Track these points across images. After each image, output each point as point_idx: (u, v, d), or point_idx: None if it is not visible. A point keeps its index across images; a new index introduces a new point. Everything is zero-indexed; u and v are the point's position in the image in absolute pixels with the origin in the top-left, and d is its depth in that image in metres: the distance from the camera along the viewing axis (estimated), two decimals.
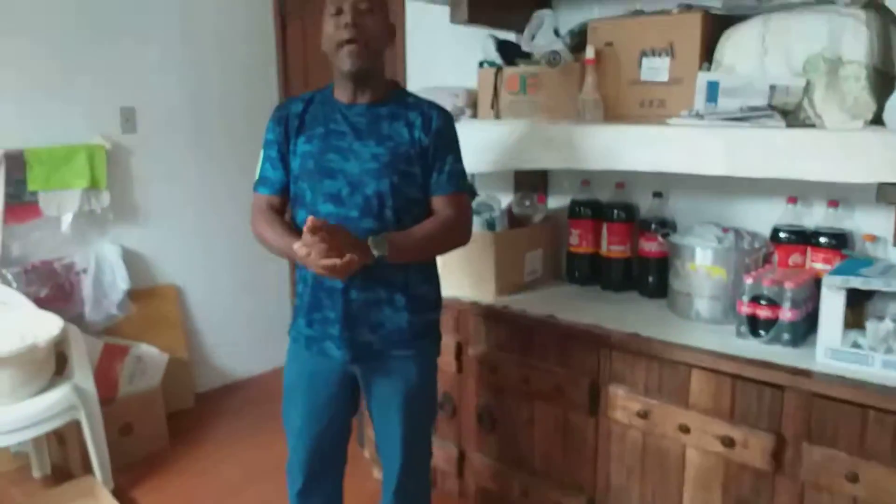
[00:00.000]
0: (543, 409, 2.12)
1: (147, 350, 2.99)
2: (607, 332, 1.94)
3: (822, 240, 1.92)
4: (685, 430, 1.80)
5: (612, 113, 2.03)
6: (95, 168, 2.94)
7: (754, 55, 1.76)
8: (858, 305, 1.68)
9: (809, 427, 1.63)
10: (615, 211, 2.28)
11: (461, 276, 2.34)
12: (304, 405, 1.78)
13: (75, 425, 2.51)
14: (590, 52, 1.99)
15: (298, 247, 1.47)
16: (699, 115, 1.77)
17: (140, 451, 2.90)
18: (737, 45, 1.80)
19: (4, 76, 2.75)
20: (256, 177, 1.76)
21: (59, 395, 2.40)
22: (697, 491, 1.82)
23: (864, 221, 1.92)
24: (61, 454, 2.80)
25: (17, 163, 2.75)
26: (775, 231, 2.00)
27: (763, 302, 1.80)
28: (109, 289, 3.01)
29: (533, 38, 2.15)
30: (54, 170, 2.84)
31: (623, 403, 1.92)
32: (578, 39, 2.14)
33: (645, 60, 1.95)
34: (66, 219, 2.91)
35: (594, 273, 2.38)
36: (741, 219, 2.11)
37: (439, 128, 1.68)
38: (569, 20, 2.25)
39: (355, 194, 1.62)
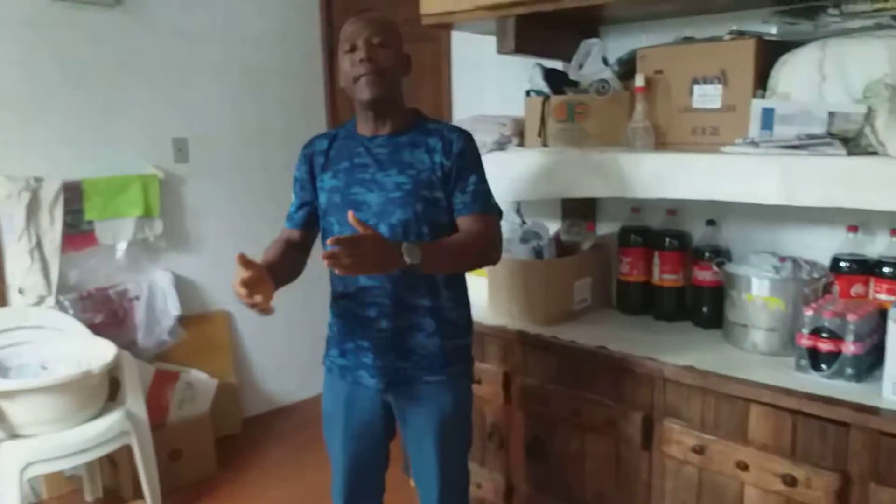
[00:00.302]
0: (594, 442, 2.07)
1: (197, 376, 3.03)
2: (661, 364, 1.89)
3: (886, 270, 1.85)
4: (743, 466, 1.74)
5: (663, 141, 2.00)
6: (149, 197, 3.02)
7: (811, 82, 1.72)
8: None
9: (877, 467, 1.55)
10: (667, 239, 2.23)
11: (509, 305, 2.32)
12: (342, 431, 1.81)
13: (127, 450, 2.55)
14: (639, 80, 1.97)
15: (325, 256, 1.40)
16: (754, 143, 1.73)
17: (188, 477, 2.94)
18: (792, 72, 1.76)
19: (64, 109, 2.86)
20: None
21: (111, 421, 2.45)
22: None
23: None
24: (113, 478, 2.85)
25: (75, 193, 2.84)
26: (835, 260, 1.94)
27: (824, 335, 1.73)
28: (161, 315, 3.07)
29: (581, 66, 2.14)
30: (110, 199, 2.92)
31: (678, 438, 1.87)
32: (627, 67, 2.12)
33: (696, 88, 1.92)
34: (121, 247, 2.99)
35: (645, 302, 2.33)
36: (799, 247, 2.05)
37: (461, 149, 1.67)
38: (616, 48, 2.24)
39: (381, 225, 1.65)
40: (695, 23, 2.16)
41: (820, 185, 1.63)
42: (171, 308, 3.09)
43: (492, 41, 2.29)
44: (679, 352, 1.95)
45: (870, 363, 1.72)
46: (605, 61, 2.12)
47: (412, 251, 1.47)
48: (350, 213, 1.48)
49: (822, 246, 2.00)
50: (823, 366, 1.73)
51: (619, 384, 1.99)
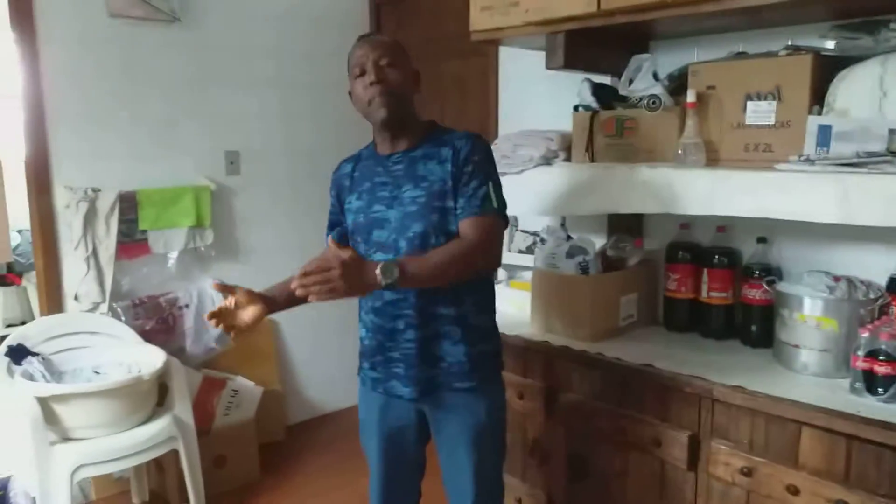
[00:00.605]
0: (638, 461, 2.04)
1: (243, 383, 3.08)
2: (710, 383, 1.86)
3: None
4: (794, 491, 1.69)
5: (715, 157, 1.97)
6: (201, 208, 3.09)
7: (871, 98, 1.68)
8: None
9: None
10: (716, 256, 2.20)
11: (553, 320, 2.31)
12: (376, 437, 1.86)
13: (173, 454, 2.60)
14: (691, 96, 1.95)
15: (295, 286, 1.44)
16: (810, 161, 1.69)
17: (232, 483, 2.98)
18: (851, 88, 1.72)
19: (122, 123, 2.95)
20: None
21: (160, 426, 2.50)
22: None
23: None
24: (159, 482, 2.91)
25: (130, 203, 2.93)
26: (892, 280, 1.88)
27: (881, 357, 1.68)
28: (210, 323, 3.12)
29: (631, 82, 2.13)
30: (163, 210, 3.00)
31: (725, 459, 1.83)
32: (678, 83, 2.11)
33: (750, 104, 1.89)
34: (173, 255, 3.07)
35: (693, 319, 2.29)
36: (854, 267, 2.00)
37: (466, 155, 1.68)
38: (667, 63, 2.22)
39: (400, 239, 1.68)
40: (747, 38, 2.14)
41: (881, 204, 1.58)
42: None
43: (540, 56, 2.30)
44: (727, 371, 1.91)
45: None
46: (655, 77, 2.10)
47: (388, 270, 1.45)
48: (329, 238, 1.56)
49: (879, 266, 1.94)
50: (880, 389, 1.68)
51: (665, 403, 1.96)
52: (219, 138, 3.23)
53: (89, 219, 2.82)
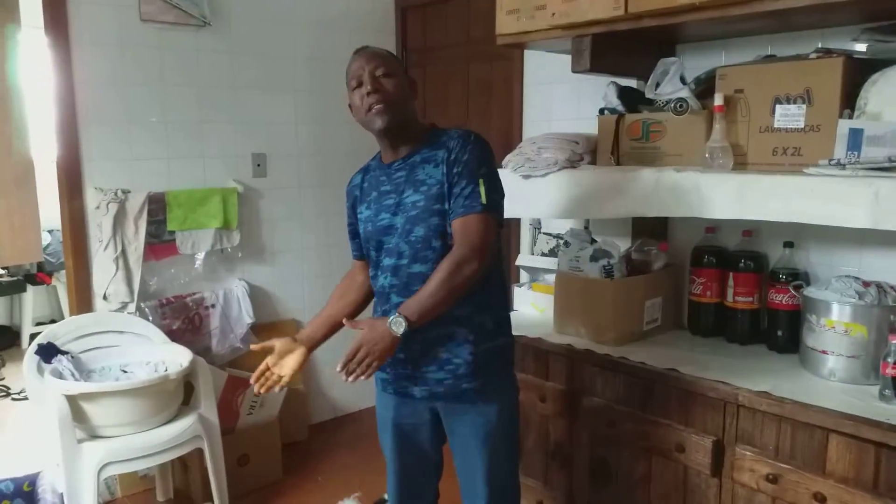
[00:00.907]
0: (661, 466, 2.03)
1: None
2: (735, 389, 1.84)
3: None
4: (821, 499, 1.68)
5: (742, 161, 1.96)
6: (228, 210, 3.13)
7: None
8: None
9: None
10: (742, 260, 2.18)
11: (576, 324, 2.30)
12: (391, 435, 1.90)
13: (198, 453, 2.62)
14: (718, 99, 1.94)
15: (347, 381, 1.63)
16: (840, 165, 1.67)
17: (255, 482, 3.00)
18: (883, 91, 1.70)
19: (152, 125, 3.00)
20: None
21: (185, 425, 2.53)
22: None
23: None
24: (184, 480, 2.94)
25: (159, 205, 2.97)
26: None
27: None
28: (235, 323, 3.16)
29: (658, 85, 2.12)
30: (191, 211, 3.04)
31: (750, 466, 1.81)
32: (705, 86, 2.09)
33: (779, 107, 1.87)
34: (200, 256, 3.10)
35: (718, 324, 2.28)
36: (883, 272, 1.97)
37: (456, 154, 1.69)
38: (694, 67, 2.21)
39: (403, 244, 1.73)
40: (775, 41, 2.12)
41: None
42: (245, 316, 3.18)
43: (564, 59, 2.29)
44: (753, 376, 1.90)
45: None
46: (682, 80, 2.09)
47: (396, 323, 1.58)
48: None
49: None
50: None
51: (689, 408, 1.95)
52: (246, 141, 3.26)
53: (119, 220, 2.87)
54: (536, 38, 2.29)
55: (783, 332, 2.10)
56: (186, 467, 2.89)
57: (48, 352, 2.56)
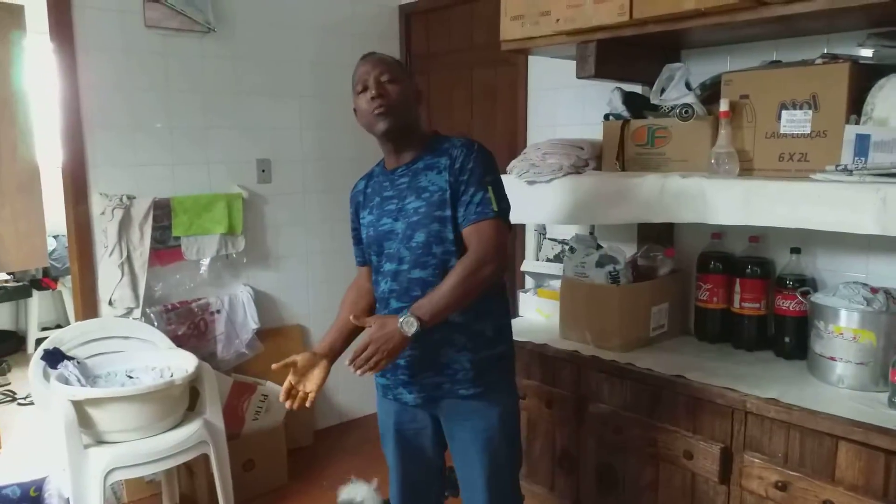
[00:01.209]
0: (669, 473, 2.03)
1: (273, 388, 3.10)
2: (743, 395, 1.84)
3: None
4: None
5: (748, 167, 1.95)
6: (233, 215, 3.13)
7: None
8: None
9: None
10: (749, 266, 2.18)
11: (582, 330, 2.30)
12: (392, 442, 1.91)
13: (204, 458, 2.62)
14: (724, 105, 1.93)
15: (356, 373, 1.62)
16: (847, 170, 1.67)
17: (260, 487, 3.00)
18: (890, 97, 1.69)
19: (157, 131, 3.00)
20: None
21: (191, 430, 2.52)
22: None
23: None
24: (189, 485, 2.93)
25: (164, 210, 2.97)
26: None
27: None
28: (240, 328, 3.16)
29: (663, 90, 2.12)
30: (196, 217, 3.04)
31: (759, 473, 1.81)
32: (710, 92, 2.09)
33: (785, 113, 1.87)
34: (205, 262, 3.10)
35: (724, 330, 2.27)
36: (891, 278, 1.96)
37: (461, 163, 1.71)
38: (699, 72, 2.21)
39: (404, 249, 1.74)
40: (781, 46, 2.12)
41: None
42: (251, 322, 3.18)
43: (569, 65, 2.29)
44: (761, 383, 1.89)
45: None
46: (688, 86, 2.09)
47: (408, 323, 1.58)
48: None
49: None
50: None
51: (696, 414, 1.94)
52: (251, 147, 3.27)
53: (124, 225, 2.87)
54: (541, 44, 2.29)
55: (791, 338, 2.09)
56: (192, 473, 2.89)
57: (54, 357, 2.56)
